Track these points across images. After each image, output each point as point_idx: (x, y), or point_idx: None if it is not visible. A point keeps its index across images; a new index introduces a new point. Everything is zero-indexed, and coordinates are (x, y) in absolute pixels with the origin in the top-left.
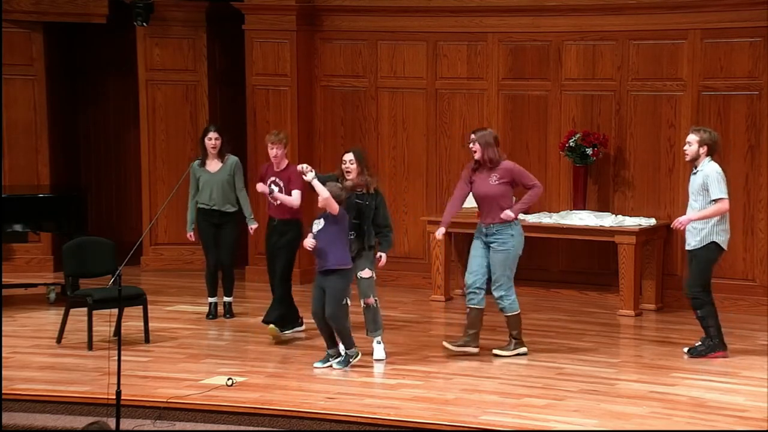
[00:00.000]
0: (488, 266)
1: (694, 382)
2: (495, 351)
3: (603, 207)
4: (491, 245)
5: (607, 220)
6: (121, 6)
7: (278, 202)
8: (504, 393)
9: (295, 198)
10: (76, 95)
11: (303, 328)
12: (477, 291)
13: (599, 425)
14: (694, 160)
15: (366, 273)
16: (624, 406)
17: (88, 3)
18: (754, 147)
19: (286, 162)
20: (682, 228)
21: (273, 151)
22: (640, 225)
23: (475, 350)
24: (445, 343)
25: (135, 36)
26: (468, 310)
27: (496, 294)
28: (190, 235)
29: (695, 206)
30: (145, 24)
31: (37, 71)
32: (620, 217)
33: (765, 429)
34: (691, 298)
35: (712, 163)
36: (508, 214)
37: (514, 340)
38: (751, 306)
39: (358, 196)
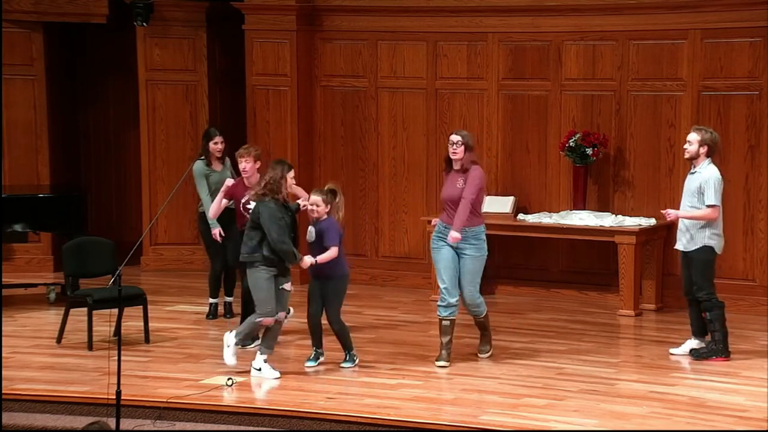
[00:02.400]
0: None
1: (694, 382)
2: (481, 355)
3: (603, 207)
4: (466, 251)
5: (607, 220)
6: (121, 6)
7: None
8: (504, 393)
9: None
10: (76, 95)
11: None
12: (457, 303)
13: (599, 425)
14: (693, 159)
15: (289, 286)
16: (624, 406)
17: (88, 3)
18: (754, 147)
19: (257, 176)
20: (670, 218)
21: (242, 165)
22: (640, 225)
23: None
24: (440, 364)
25: (135, 36)
26: (447, 322)
27: (476, 300)
28: (216, 233)
29: (687, 206)
30: (145, 24)
31: (37, 71)
32: (620, 217)
33: (765, 429)
34: (703, 299)
35: (712, 166)
36: (456, 237)
37: (488, 338)
38: (751, 306)
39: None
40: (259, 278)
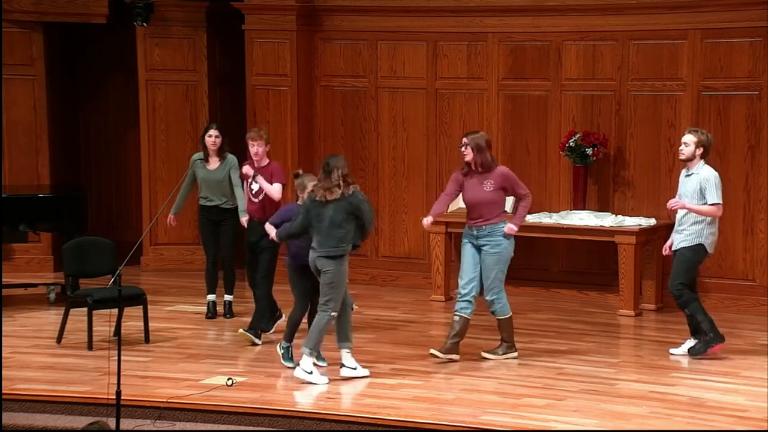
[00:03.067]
0: (480, 271)
1: (694, 382)
2: (484, 354)
3: (603, 207)
4: (483, 247)
5: (607, 220)
6: (121, 6)
7: (259, 195)
8: (504, 393)
9: (276, 189)
10: (76, 95)
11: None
12: (471, 300)
13: (599, 425)
14: (689, 161)
15: None
16: (624, 406)
17: (88, 3)
18: (754, 147)
19: (267, 160)
20: (675, 208)
21: (254, 148)
22: (640, 225)
23: (457, 357)
24: (433, 351)
25: (135, 36)
26: (457, 317)
27: (488, 297)
28: (171, 219)
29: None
30: (145, 24)
31: (37, 71)
32: (620, 217)
33: (765, 429)
34: (675, 295)
35: (708, 166)
36: (511, 227)
37: (505, 344)
38: (751, 306)
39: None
40: (346, 272)
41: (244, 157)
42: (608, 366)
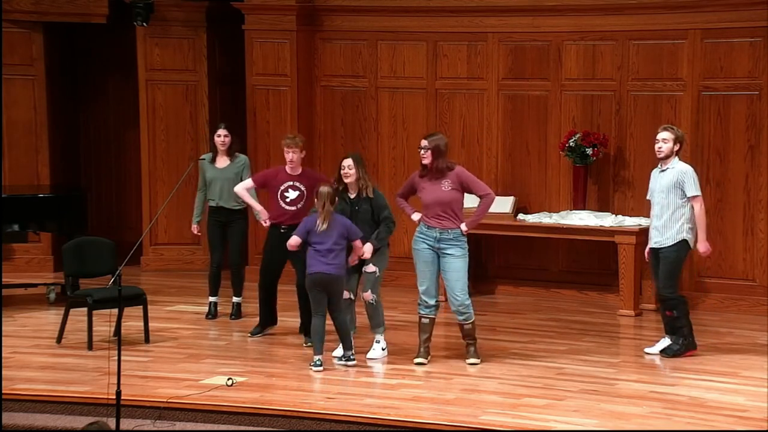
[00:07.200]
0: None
1: (694, 382)
2: (470, 361)
3: (603, 207)
4: (447, 252)
5: (607, 220)
6: (121, 6)
7: (298, 203)
8: (504, 393)
9: None
10: (76, 95)
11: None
12: (438, 303)
13: (599, 425)
14: (668, 158)
15: (369, 268)
16: (624, 406)
17: (88, 3)
18: (754, 147)
19: (300, 168)
20: (709, 252)
21: (289, 155)
22: (640, 225)
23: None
24: (419, 360)
25: (135, 36)
26: (427, 320)
27: (461, 302)
28: (195, 228)
29: (663, 203)
30: (145, 24)
31: (37, 71)
32: (620, 217)
33: (765, 429)
34: (667, 298)
35: (682, 162)
36: (462, 228)
37: (475, 344)
38: (751, 306)
39: (353, 203)
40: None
41: (252, 157)
42: (608, 366)
